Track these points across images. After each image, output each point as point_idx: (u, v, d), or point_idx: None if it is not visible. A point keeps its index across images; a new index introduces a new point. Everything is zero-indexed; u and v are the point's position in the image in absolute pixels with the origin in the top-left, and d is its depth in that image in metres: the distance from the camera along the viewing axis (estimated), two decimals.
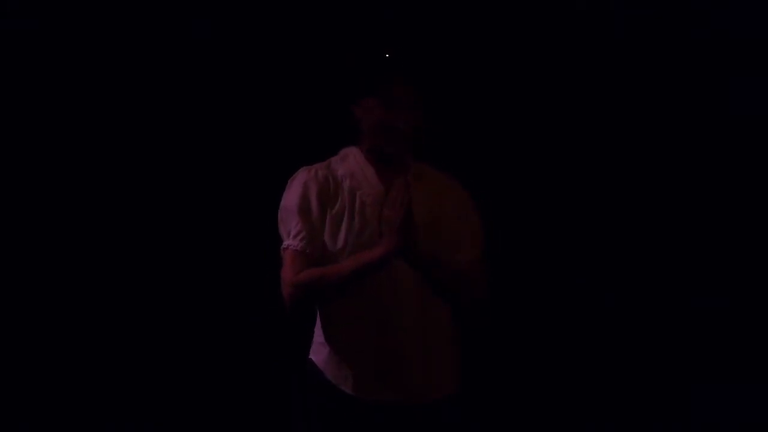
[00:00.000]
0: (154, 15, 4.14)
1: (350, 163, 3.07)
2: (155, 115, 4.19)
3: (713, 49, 4.07)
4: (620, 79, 4.14)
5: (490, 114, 4.20)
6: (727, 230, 4.10)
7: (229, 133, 4.21)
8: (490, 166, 4.13)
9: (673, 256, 4.14)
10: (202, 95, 4.19)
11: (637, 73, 4.14)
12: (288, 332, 3.45)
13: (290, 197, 3.05)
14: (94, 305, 4.18)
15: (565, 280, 4.18)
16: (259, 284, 3.79)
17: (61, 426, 4.15)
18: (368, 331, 2.96)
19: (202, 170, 4.21)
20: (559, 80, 4.17)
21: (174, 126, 4.20)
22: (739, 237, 4.09)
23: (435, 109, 3.03)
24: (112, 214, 4.19)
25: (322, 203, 3.01)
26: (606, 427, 4.13)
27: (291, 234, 3.01)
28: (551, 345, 4.19)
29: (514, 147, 4.20)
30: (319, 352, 3.04)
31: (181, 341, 4.21)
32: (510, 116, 4.20)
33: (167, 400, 4.20)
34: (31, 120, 4.15)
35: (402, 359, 2.95)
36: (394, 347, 2.95)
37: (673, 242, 4.14)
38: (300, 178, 3.06)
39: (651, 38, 4.11)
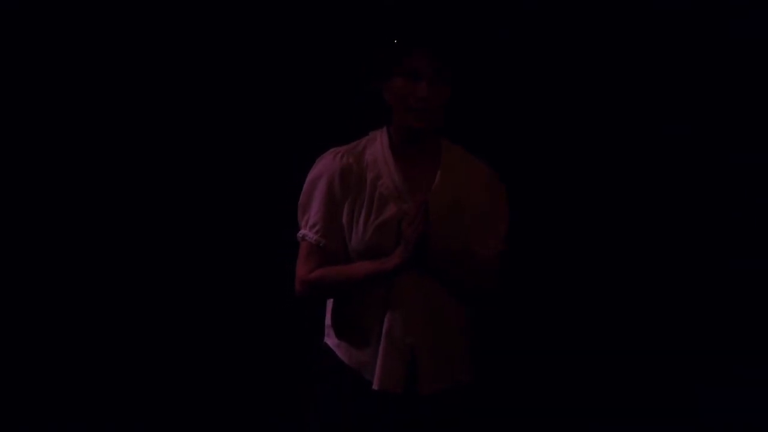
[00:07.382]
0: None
1: (375, 148, 2.97)
2: (181, 89, 4.18)
3: (713, 49, 4.09)
4: (625, 77, 4.15)
5: (518, 97, 4.14)
6: (727, 230, 4.10)
7: (252, 116, 4.19)
8: (510, 151, 4.04)
9: (674, 256, 4.14)
10: (220, 78, 4.17)
11: (636, 72, 4.15)
12: (304, 315, 3.41)
13: (312, 181, 2.97)
14: (101, 287, 4.19)
15: (578, 272, 4.17)
16: (274, 266, 3.70)
17: (61, 426, 4.15)
18: (375, 315, 2.92)
19: (220, 152, 4.20)
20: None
21: (191, 107, 4.19)
22: (739, 237, 4.09)
23: (463, 86, 2.95)
24: (120, 196, 4.18)
25: (344, 192, 2.93)
26: (614, 419, 4.12)
27: (308, 223, 2.95)
28: (563, 336, 4.16)
29: (537, 133, 4.16)
30: (330, 336, 3.00)
31: (191, 326, 4.20)
32: (536, 101, 4.15)
33: (178, 385, 4.20)
34: (30, 120, 4.17)
35: (411, 345, 2.91)
36: (401, 333, 2.91)
37: (675, 241, 4.14)
38: (325, 162, 2.97)
39: (652, 38, 4.12)
